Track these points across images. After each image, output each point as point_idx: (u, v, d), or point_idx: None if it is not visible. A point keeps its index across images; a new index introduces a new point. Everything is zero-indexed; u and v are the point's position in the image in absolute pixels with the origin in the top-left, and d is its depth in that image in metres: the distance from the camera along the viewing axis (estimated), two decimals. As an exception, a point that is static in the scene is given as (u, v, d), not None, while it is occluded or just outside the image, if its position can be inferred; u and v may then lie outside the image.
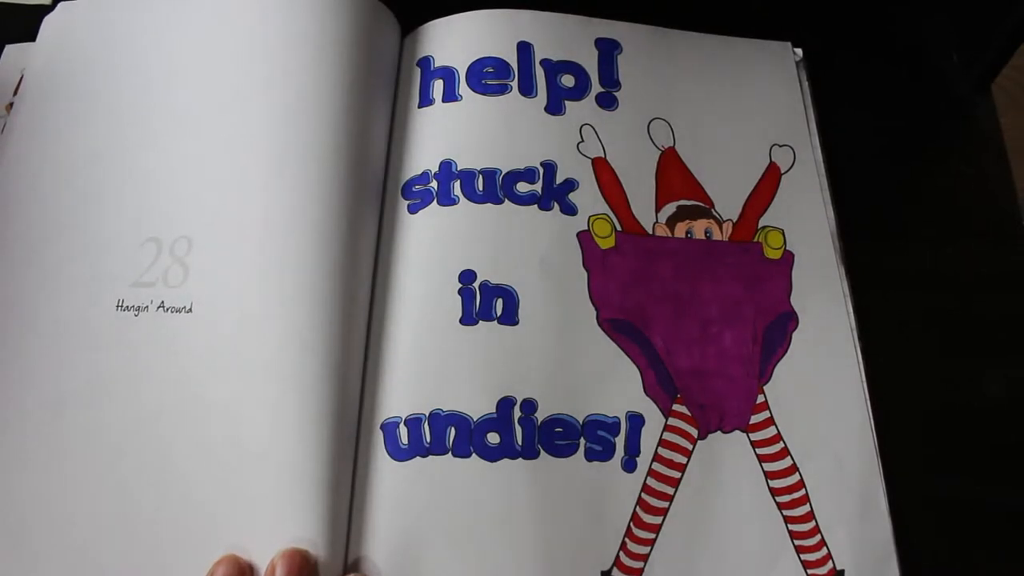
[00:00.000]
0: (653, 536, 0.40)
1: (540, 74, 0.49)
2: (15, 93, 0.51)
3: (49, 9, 0.51)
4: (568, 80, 0.49)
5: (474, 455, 0.40)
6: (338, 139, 0.44)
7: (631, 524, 0.40)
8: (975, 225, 0.50)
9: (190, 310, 0.40)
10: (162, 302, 0.41)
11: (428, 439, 0.40)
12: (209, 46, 0.47)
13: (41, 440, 0.39)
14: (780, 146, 0.49)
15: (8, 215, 0.44)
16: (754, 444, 0.42)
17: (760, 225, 0.47)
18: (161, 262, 0.42)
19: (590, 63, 0.50)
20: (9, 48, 0.53)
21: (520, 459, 0.40)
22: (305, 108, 0.44)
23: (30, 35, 0.51)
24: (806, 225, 0.48)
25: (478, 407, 0.40)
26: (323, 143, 0.43)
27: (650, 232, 0.46)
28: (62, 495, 0.38)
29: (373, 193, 0.45)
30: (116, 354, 0.40)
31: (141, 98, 0.46)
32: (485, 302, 0.42)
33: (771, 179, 0.48)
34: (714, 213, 0.47)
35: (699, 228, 0.47)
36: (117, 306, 0.41)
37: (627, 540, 0.39)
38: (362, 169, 0.44)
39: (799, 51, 0.53)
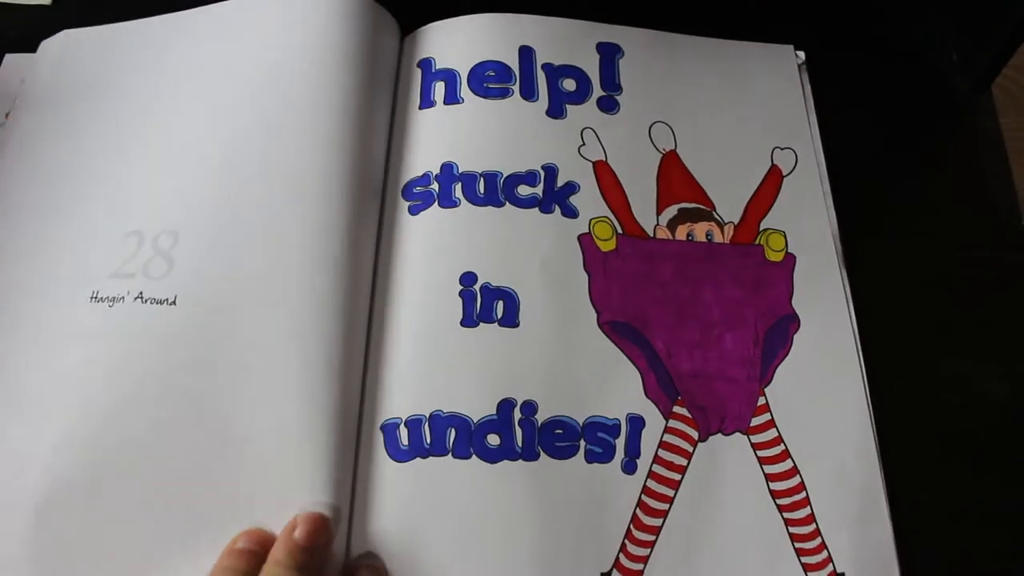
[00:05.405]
0: (653, 538, 0.40)
1: (541, 78, 0.49)
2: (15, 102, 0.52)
3: (49, 9, 0.51)
4: (569, 84, 0.49)
5: (474, 456, 0.40)
6: (337, 137, 0.44)
7: (631, 526, 0.40)
8: (975, 225, 0.50)
9: (173, 302, 0.40)
10: (140, 293, 0.40)
11: (428, 440, 0.40)
12: (209, 47, 0.47)
13: (19, 437, 0.38)
14: (782, 149, 0.50)
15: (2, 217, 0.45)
16: (755, 446, 0.42)
17: (762, 228, 0.47)
18: (142, 254, 0.41)
19: (591, 67, 0.50)
20: (9, 57, 0.54)
21: (520, 461, 0.40)
22: (303, 108, 0.44)
23: (30, 34, 0.51)
24: (808, 227, 0.47)
25: (478, 409, 0.40)
26: (321, 141, 0.43)
27: (651, 235, 0.46)
28: (34, 492, 0.37)
29: (373, 192, 0.46)
30: (87, 346, 0.39)
31: (136, 99, 0.47)
32: (486, 304, 0.43)
33: (773, 182, 0.49)
34: (715, 216, 0.47)
35: (700, 231, 0.47)
36: (91, 298, 0.41)
37: (627, 542, 0.39)
38: (361, 168, 0.44)
39: (801, 54, 0.53)
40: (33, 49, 0.53)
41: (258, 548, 0.35)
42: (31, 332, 0.41)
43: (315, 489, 0.37)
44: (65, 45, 0.51)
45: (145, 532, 0.36)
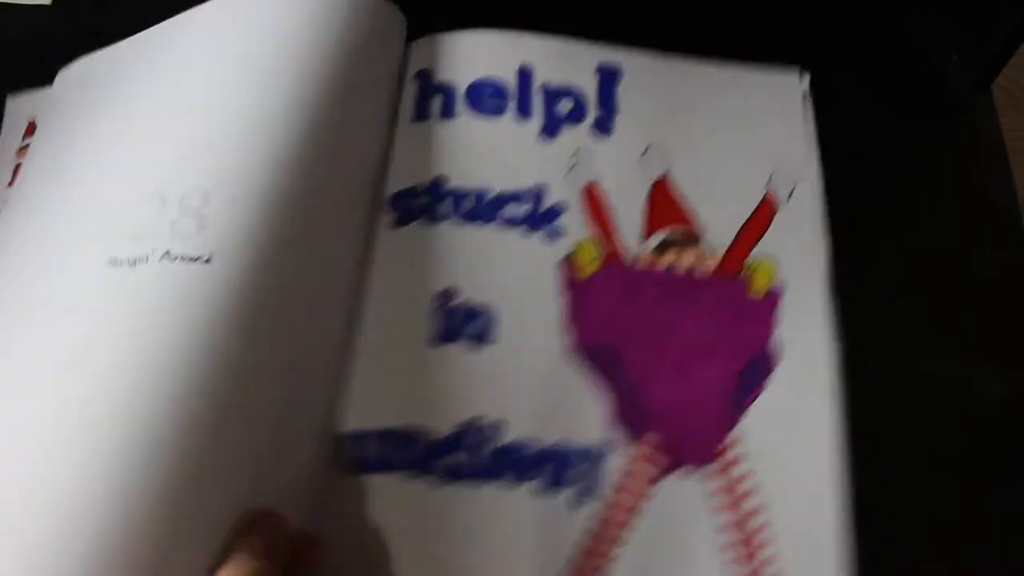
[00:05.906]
0: (609, 565, 0.38)
1: (538, 99, 0.49)
2: (24, 137, 0.53)
3: (49, 9, 0.54)
4: (566, 105, 0.49)
5: (430, 475, 0.39)
6: (328, 123, 0.43)
7: (582, 558, 0.38)
8: (975, 225, 0.49)
9: (208, 260, 0.37)
10: (167, 251, 0.38)
11: (386, 455, 0.39)
12: (216, 32, 0.47)
13: (38, 404, 0.36)
14: (779, 177, 0.48)
15: (29, 207, 0.47)
16: (721, 483, 0.40)
17: (750, 258, 0.45)
18: (167, 214, 0.39)
19: (590, 89, 0.50)
20: (12, 99, 0.55)
21: (476, 482, 0.39)
22: (308, 87, 0.43)
23: (30, 35, 0.54)
24: (799, 259, 0.45)
25: (440, 427, 0.40)
26: (310, 128, 0.42)
27: (635, 260, 0.45)
28: (55, 460, 0.34)
29: (358, 196, 0.45)
30: (108, 311, 0.37)
31: (147, 92, 0.47)
32: (460, 322, 0.42)
33: (766, 211, 0.47)
34: (703, 244, 0.46)
35: (684, 259, 0.45)
36: (111, 262, 0.38)
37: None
38: (348, 167, 0.44)
39: (805, 80, 0.51)
40: (33, 49, 0.55)
41: (269, 530, 0.34)
42: (45, 303, 0.40)
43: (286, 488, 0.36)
44: (82, 70, 0.52)
45: (165, 512, 0.33)
